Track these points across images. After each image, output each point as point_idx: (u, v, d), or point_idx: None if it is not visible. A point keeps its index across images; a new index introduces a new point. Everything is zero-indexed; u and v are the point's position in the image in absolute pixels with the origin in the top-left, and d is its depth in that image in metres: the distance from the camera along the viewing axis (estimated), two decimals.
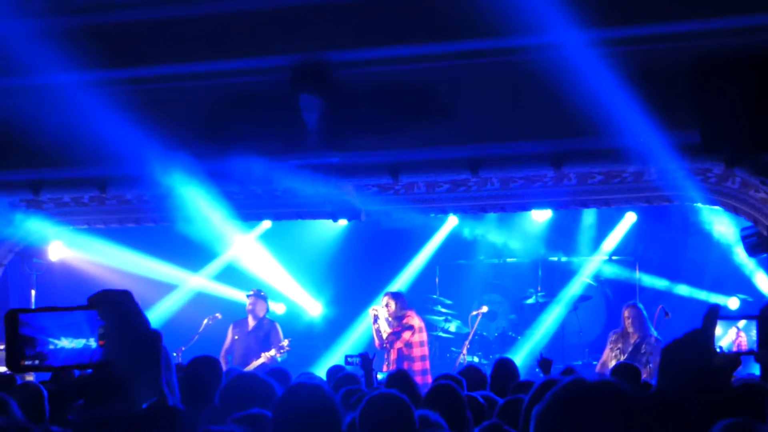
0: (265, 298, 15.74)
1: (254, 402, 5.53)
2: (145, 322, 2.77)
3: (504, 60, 10.41)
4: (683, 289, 17.63)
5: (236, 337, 15.41)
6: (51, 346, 2.76)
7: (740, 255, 15.37)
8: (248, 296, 15.69)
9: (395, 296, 14.91)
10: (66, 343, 2.76)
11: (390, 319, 14.54)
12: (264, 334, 15.36)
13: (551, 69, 9.78)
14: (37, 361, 2.77)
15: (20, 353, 2.76)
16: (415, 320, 14.55)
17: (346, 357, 12.08)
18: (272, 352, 14.83)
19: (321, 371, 12.82)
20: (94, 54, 10.23)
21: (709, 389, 2.93)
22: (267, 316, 15.63)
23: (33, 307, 4.36)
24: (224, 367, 8.51)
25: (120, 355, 2.71)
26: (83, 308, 2.75)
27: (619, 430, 2.71)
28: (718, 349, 3.03)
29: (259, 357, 14.82)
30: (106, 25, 10.62)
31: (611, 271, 18.51)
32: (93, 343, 2.76)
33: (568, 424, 2.74)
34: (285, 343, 14.99)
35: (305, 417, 5.02)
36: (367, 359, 11.26)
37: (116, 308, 2.73)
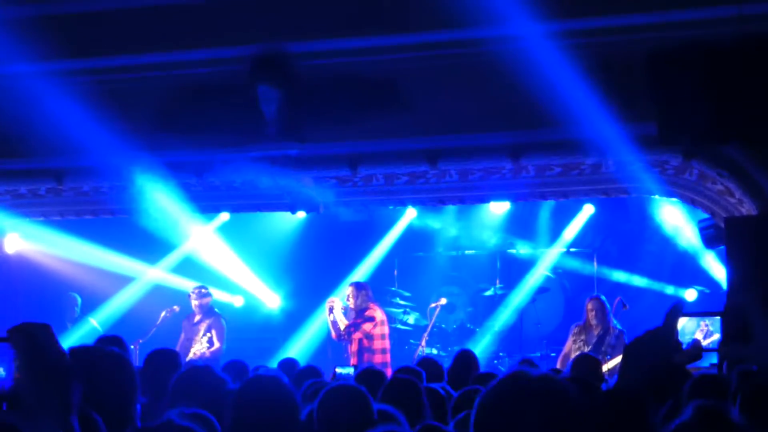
0: (206, 295, 15.47)
1: (203, 395, 5.50)
2: (59, 355, 2.78)
3: (463, 52, 10.43)
4: (641, 281, 17.69)
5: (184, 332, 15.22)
6: None
7: (697, 247, 15.44)
8: (195, 295, 15.37)
9: (359, 287, 14.59)
10: None
11: (351, 309, 14.33)
12: (206, 327, 15.02)
13: (510, 61, 9.79)
14: None
15: None
16: (377, 312, 14.26)
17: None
18: (202, 349, 14.59)
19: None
20: (51, 44, 10.15)
21: (669, 386, 2.94)
22: (214, 309, 15.37)
23: None
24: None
25: (28, 386, 2.74)
26: None
27: (551, 424, 2.73)
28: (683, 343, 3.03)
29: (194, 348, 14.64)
30: (63, 16, 10.54)
31: (569, 263, 18.55)
32: (2, 372, 2.80)
33: (502, 414, 2.78)
34: (216, 347, 14.74)
35: (264, 408, 5.00)
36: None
37: (28, 340, 2.75)
